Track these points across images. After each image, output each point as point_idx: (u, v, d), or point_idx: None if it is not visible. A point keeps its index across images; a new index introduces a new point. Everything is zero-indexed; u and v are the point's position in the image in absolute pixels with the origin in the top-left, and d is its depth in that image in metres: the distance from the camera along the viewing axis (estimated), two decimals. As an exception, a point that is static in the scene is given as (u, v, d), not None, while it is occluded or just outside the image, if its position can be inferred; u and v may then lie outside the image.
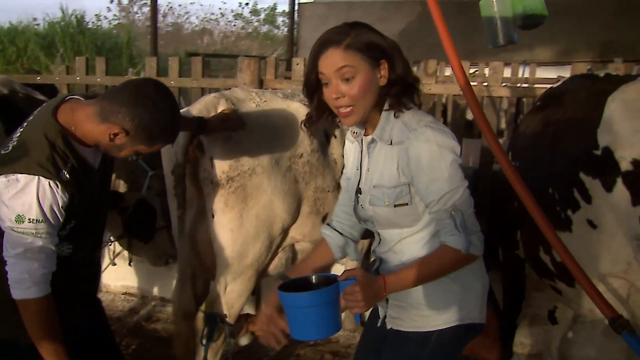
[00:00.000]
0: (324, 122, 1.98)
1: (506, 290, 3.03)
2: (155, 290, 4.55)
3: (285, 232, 2.81)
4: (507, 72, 6.99)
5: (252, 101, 2.75)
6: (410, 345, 1.93)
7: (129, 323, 4.18)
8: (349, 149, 2.08)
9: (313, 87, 1.86)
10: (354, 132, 1.98)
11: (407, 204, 1.82)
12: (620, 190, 2.09)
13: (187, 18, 27.46)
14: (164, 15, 24.93)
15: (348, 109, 1.78)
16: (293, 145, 2.73)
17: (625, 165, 2.07)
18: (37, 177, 1.84)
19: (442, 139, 1.74)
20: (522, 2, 1.71)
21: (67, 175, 1.91)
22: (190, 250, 2.78)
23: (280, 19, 29.43)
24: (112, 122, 1.90)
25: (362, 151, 1.97)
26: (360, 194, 1.96)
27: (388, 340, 2.01)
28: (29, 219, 1.85)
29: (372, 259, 2.15)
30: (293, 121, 2.76)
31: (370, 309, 2.06)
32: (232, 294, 2.70)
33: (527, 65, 8.47)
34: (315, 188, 2.84)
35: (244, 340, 2.56)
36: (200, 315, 2.73)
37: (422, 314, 1.89)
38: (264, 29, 29.38)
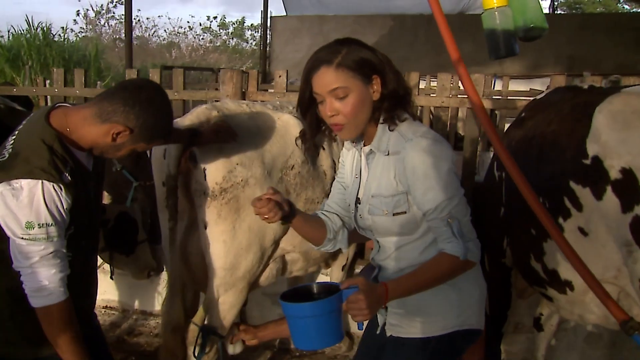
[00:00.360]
0: (320, 136, 2.02)
1: (492, 299, 3.07)
2: (137, 304, 4.47)
3: (276, 243, 2.81)
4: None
5: (243, 113, 2.76)
6: (410, 352, 1.95)
7: (111, 337, 4.10)
8: (346, 155, 2.12)
9: (307, 105, 1.91)
10: (353, 142, 2.03)
11: (405, 212, 1.85)
12: (610, 198, 2.14)
13: (154, 31, 27.25)
14: (132, 29, 24.67)
15: (342, 126, 1.84)
16: (285, 156, 2.75)
17: (614, 174, 2.12)
18: (40, 181, 1.83)
19: (437, 149, 1.78)
20: (524, 15, 1.76)
21: (69, 178, 1.91)
22: (181, 262, 2.75)
23: (248, 33, 29.50)
24: (115, 121, 1.92)
25: (361, 161, 2.01)
26: (360, 203, 2.00)
27: (387, 347, 2.02)
28: (39, 224, 1.84)
29: (358, 270, 2.17)
30: (284, 133, 2.78)
31: None
32: (224, 306, 2.69)
33: (498, 78, 8.67)
34: (305, 199, 2.85)
35: (236, 349, 2.54)
36: (192, 328, 2.71)
37: (421, 320, 1.92)
38: (233, 42, 29.38)
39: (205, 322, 2.69)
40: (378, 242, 2.01)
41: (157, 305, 4.38)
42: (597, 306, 2.43)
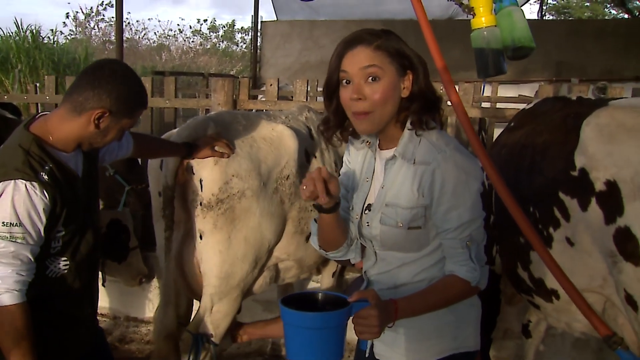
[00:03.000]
0: (339, 129, 1.84)
1: (482, 306, 3.12)
2: (128, 311, 4.48)
3: (270, 252, 2.85)
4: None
5: (239, 124, 2.79)
6: None
7: (103, 345, 4.10)
8: (354, 155, 1.95)
9: (333, 88, 1.75)
10: (366, 142, 1.88)
11: (420, 228, 1.73)
12: (595, 209, 2.20)
13: (144, 34, 27.17)
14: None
15: (365, 115, 1.68)
16: (280, 167, 2.78)
17: (599, 186, 2.17)
18: (12, 180, 1.82)
19: (469, 166, 1.69)
20: (512, 34, 1.81)
21: (46, 177, 1.88)
22: (177, 271, 2.78)
23: (238, 36, 29.50)
24: (90, 107, 1.91)
25: (374, 164, 1.87)
26: (369, 210, 1.83)
27: None
28: (3, 222, 1.81)
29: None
30: (278, 143, 2.82)
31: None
32: (218, 314, 2.72)
33: (487, 84, 8.74)
34: (299, 208, 2.89)
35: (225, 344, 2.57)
36: (186, 336, 2.74)
37: (417, 347, 1.82)
38: (223, 45, 29.36)
39: (199, 330, 2.72)
40: (376, 255, 1.88)
41: (148, 312, 4.40)
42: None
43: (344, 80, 1.71)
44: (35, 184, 1.84)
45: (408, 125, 1.74)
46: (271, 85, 4.25)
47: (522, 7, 2.00)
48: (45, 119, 2.00)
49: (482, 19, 2.00)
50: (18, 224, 1.82)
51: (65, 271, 2.04)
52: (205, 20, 30.07)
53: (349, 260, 2.00)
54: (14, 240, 1.82)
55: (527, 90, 9.50)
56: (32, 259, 1.88)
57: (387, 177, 1.79)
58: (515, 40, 1.84)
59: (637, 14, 17.19)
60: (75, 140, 1.99)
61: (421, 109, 1.72)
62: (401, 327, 1.78)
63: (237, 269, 2.69)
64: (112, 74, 1.94)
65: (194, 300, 2.97)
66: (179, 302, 2.89)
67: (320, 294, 1.69)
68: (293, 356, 1.60)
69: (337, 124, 1.83)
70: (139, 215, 4.31)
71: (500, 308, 3.15)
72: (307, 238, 2.99)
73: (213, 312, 2.71)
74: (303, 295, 1.69)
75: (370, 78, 1.66)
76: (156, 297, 4.33)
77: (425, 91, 1.72)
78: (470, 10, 1.82)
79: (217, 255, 2.65)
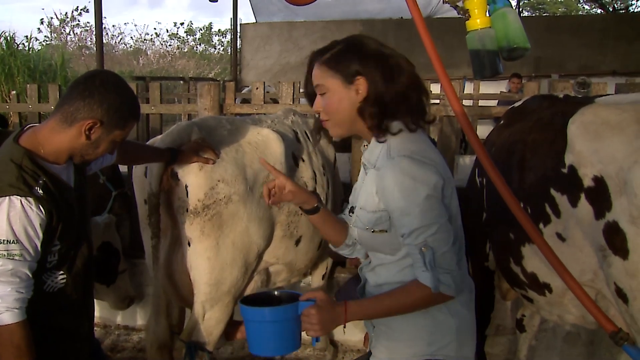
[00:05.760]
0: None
1: (475, 302, 3.14)
2: (119, 319, 4.42)
3: (260, 257, 2.83)
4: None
5: (224, 129, 2.77)
6: None
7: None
8: None
9: (312, 98, 1.86)
10: (365, 145, 1.92)
11: (386, 231, 1.76)
12: (584, 205, 2.22)
13: (121, 39, 26.95)
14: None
15: (325, 123, 1.81)
16: (266, 171, 2.76)
17: (587, 182, 2.20)
18: (7, 197, 1.78)
19: (419, 173, 1.66)
20: (507, 35, 1.82)
21: (41, 191, 1.84)
22: (166, 280, 2.75)
23: (216, 38, 29.40)
24: (81, 118, 1.88)
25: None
26: (352, 213, 1.93)
27: None
28: (0, 240, 1.77)
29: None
30: (264, 148, 2.80)
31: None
32: (210, 321, 2.69)
33: (467, 81, 8.81)
34: (288, 212, 2.88)
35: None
36: (179, 345, 2.71)
37: (388, 345, 1.87)
38: (200, 48, 29.23)
39: (192, 338, 2.69)
40: (366, 253, 1.97)
41: (139, 320, 4.35)
42: (575, 307, 2.52)
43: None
44: (30, 199, 1.81)
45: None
46: (257, 88, 4.23)
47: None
48: (34, 131, 1.95)
49: (477, 21, 2.02)
50: (15, 241, 1.78)
51: (63, 285, 2.00)
52: (182, 24, 29.97)
53: (346, 257, 2.11)
54: (11, 257, 1.78)
55: (504, 86, 9.62)
56: (31, 276, 1.84)
57: (361, 180, 1.91)
58: (510, 41, 1.85)
59: (611, 9, 17.44)
60: (67, 152, 1.95)
61: (376, 113, 1.72)
62: (381, 325, 1.86)
63: (227, 275, 2.66)
64: (103, 84, 1.91)
65: (186, 308, 2.94)
66: (170, 311, 2.86)
67: (278, 293, 1.87)
68: (253, 349, 1.77)
69: (319, 128, 1.92)
70: (126, 219, 4.28)
71: (495, 304, 3.17)
72: (297, 242, 2.97)
73: (205, 319, 2.68)
74: (263, 295, 1.88)
75: (320, 93, 1.78)
76: (147, 305, 4.29)
77: (381, 93, 1.70)
78: (465, 12, 1.82)
79: (206, 262, 2.62)
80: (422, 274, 1.68)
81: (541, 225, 2.37)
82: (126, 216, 4.21)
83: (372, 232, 1.78)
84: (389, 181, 1.67)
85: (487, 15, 1.94)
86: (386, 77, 1.70)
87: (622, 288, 2.16)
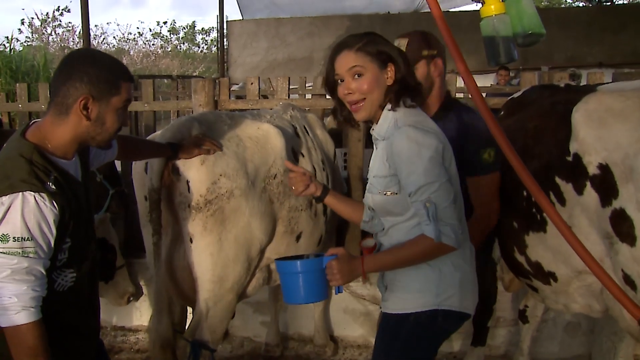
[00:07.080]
0: (347, 114, 2.18)
1: (479, 293, 3.14)
2: (115, 320, 4.35)
3: (262, 252, 2.80)
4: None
5: (224, 123, 2.74)
6: (392, 327, 2.11)
7: (90, 356, 4.00)
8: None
9: (332, 86, 2.12)
10: (372, 129, 2.17)
11: (396, 193, 2.01)
12: (590, 192, 2.23)
13: (104, 39, 26.70)
14: (80, 37, 24.15)
15: (359, 104, 2.04)
16: (267, 165, 2.74)
17: (592, 170, 2.20)
18: (20, 193, 1.72)
19: (422, 138, 1.93)
20: (521, 21, 1.81)
21: (53, 187, 1.79)
22: (167, 277, 2.71)
23: (199, 37, 29.24)
24: (72, 101, 1.83)
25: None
26: (366, 183, 2.20)
27: (381, 324, 2.20)
28: (14, 238, 1.71)
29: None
30: (264, 142, 2.77)
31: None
32: (214, 319, 2.66)
33: (457, 74, 8.81)
34: (289, 208, 2.85)
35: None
36: (182, 343, 2.68)
37: (402, 297, 2.08)
38: (184, 47, 29.07)
39: (196, 336, 2.66)
40: (380, 220, 2.17)
41: (136, 321, 4.30)
42: (580, 296, 2.53)
43: (339, 80, 2.07)
44: (44, 194, 1.75)
45: (387, 106, 2.05)
46: (252, 84, 4.20)
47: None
48: (38, 126, 1.90)
49: (492, 7, 2.04)
50: (30, 238, 1.73)
51: (73, 283, 1.94)
52: (165, 23, 29.72)
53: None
54: (26, 255, 1.73)
55: (491, 80, 9.65)
56: (45, 273, 1.80)
57: (374, 154, 2.16)
58: (525, 27, 1.84)
59: (597, 1, 17.57)
60: (74, 142, 1.90)
61: (399, 90, 2.04)
62: (395, 281, 2.09)
63: (230, 271, 2.63)
64: (76, 61, 1.86)
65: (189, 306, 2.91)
66: (172, 309, 2.82)
67: (310, 255, 2.20)
68: (287, 299, 2.06)
69: (342, 109, 2.18)
70: (122, 217, 4.24)
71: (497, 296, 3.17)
72: (297, 238, 2.95)
73: (209, 317, 2.65)
74: (296, 257, 2.18)
75: (356, 75, 2.02)
76: (144, 304, 4.25)
77: (406, 76, 2.05)
78: (479, -2, 1.82)
79: (209, 259, 2.59)
80: (426, 227, 1.92)
81: (545, 214, 2.37)
82: (122, 215, 4.17)
83: (385, 194, 2.04)
84: (397, 146, 1.95)
85: (502, 1, 1.93)
86: (405, 65, 2.05)
87: (629, 275, 2.17)
